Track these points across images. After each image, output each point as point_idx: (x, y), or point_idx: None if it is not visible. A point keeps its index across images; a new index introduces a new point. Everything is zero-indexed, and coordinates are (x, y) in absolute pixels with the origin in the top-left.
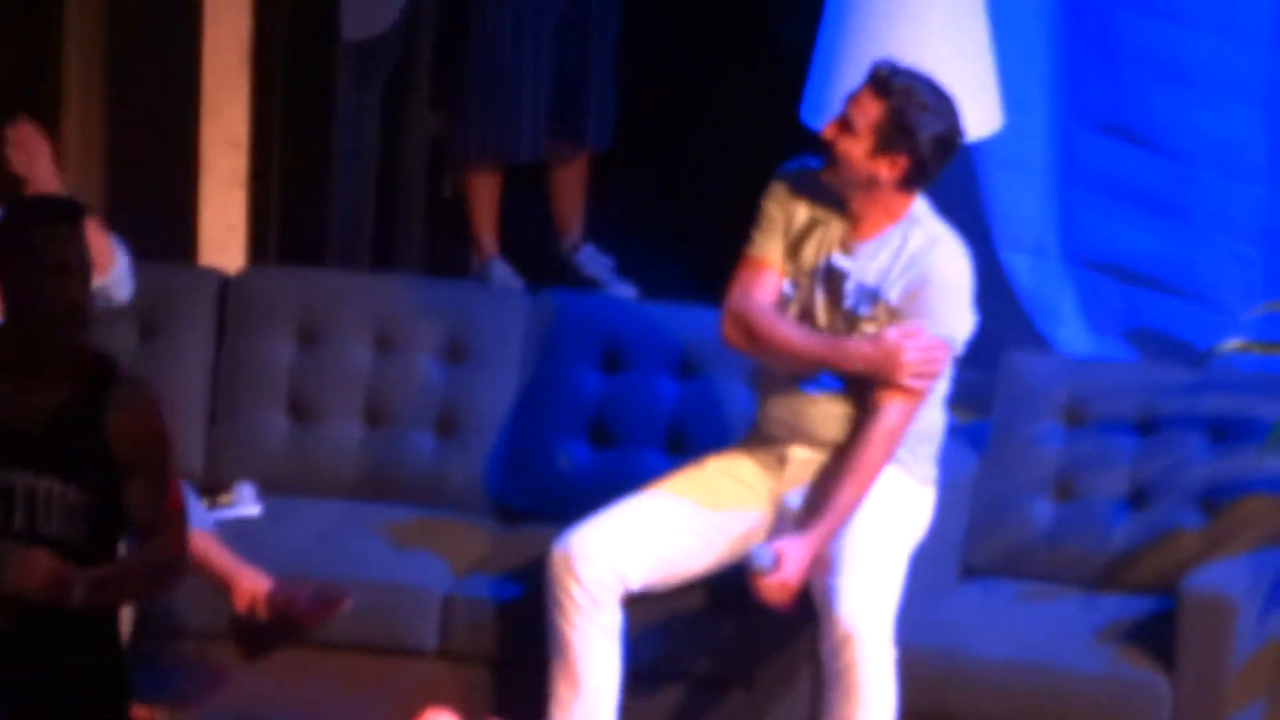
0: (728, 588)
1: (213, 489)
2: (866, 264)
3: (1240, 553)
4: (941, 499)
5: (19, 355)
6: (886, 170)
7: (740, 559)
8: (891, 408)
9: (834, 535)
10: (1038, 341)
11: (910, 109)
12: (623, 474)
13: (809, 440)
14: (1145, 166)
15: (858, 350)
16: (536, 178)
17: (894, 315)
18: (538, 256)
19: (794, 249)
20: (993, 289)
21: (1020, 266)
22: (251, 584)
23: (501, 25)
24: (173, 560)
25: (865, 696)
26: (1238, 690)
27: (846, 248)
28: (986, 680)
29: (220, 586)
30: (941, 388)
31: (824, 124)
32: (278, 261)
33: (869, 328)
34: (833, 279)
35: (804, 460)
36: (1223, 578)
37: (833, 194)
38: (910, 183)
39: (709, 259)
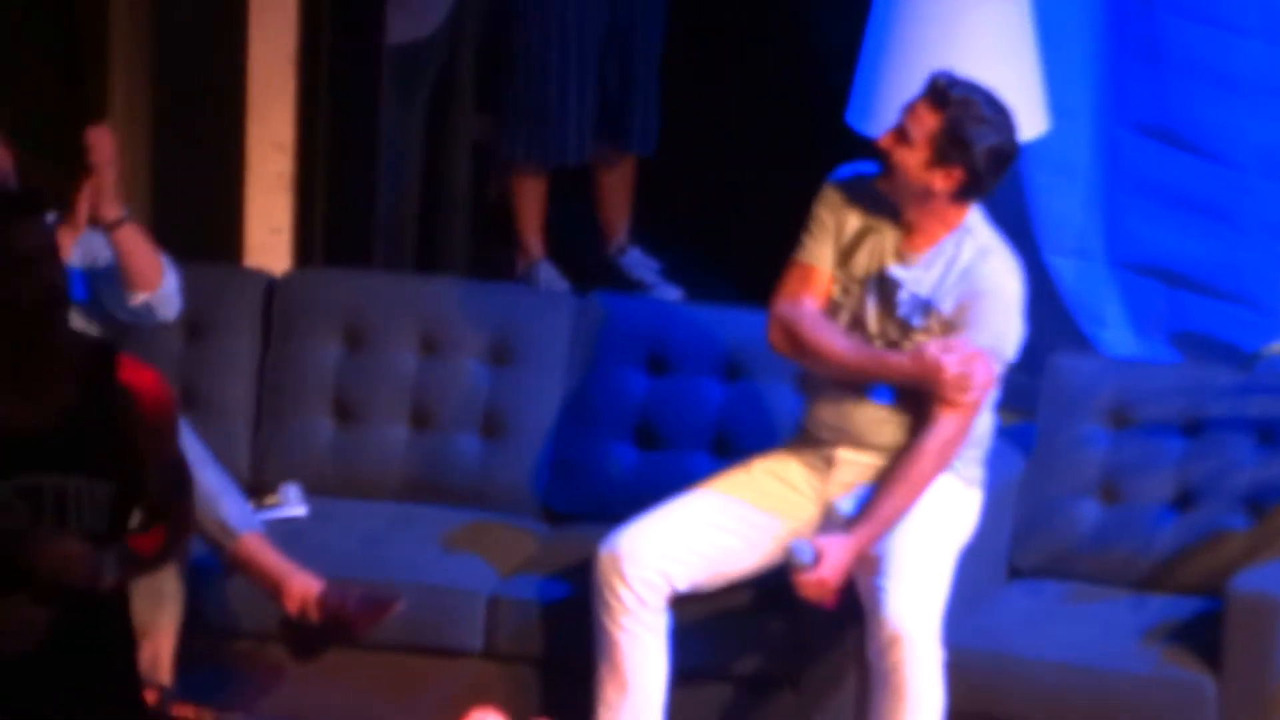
0: (775, 588)
1: (259, 490)
2: (921, 274)
3: None
4: (988, 501)
5: (17, 357)
6: (941, 182)
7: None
8: (946, 421)
9: (877, 539)
10: (1083, 344)
11: (967, 121)
12: (669, 476)
13: (856, 443)
14: (1190, 170)
15: (898, 365)
16: (582, 181)
17: (947, 326)
18: (584, 260)
19: (846, 256)
20: (1038, 292)
21: (1065, 269)
22: (303, 586)
23: (547, 30)
24: (183, 535)
25: (912, 697)
26: None
27: (901, 257)
28: (1033, 681)
29: (271, 588)
30: (991, 394)
31: (880, 133)
32: (323, 264)
33: (922, 338)
34: (885, 288)
35: (851, 462)
36: (1269, 579)
37: (886, 202)
38: (965, 194)
39: (754, 261)
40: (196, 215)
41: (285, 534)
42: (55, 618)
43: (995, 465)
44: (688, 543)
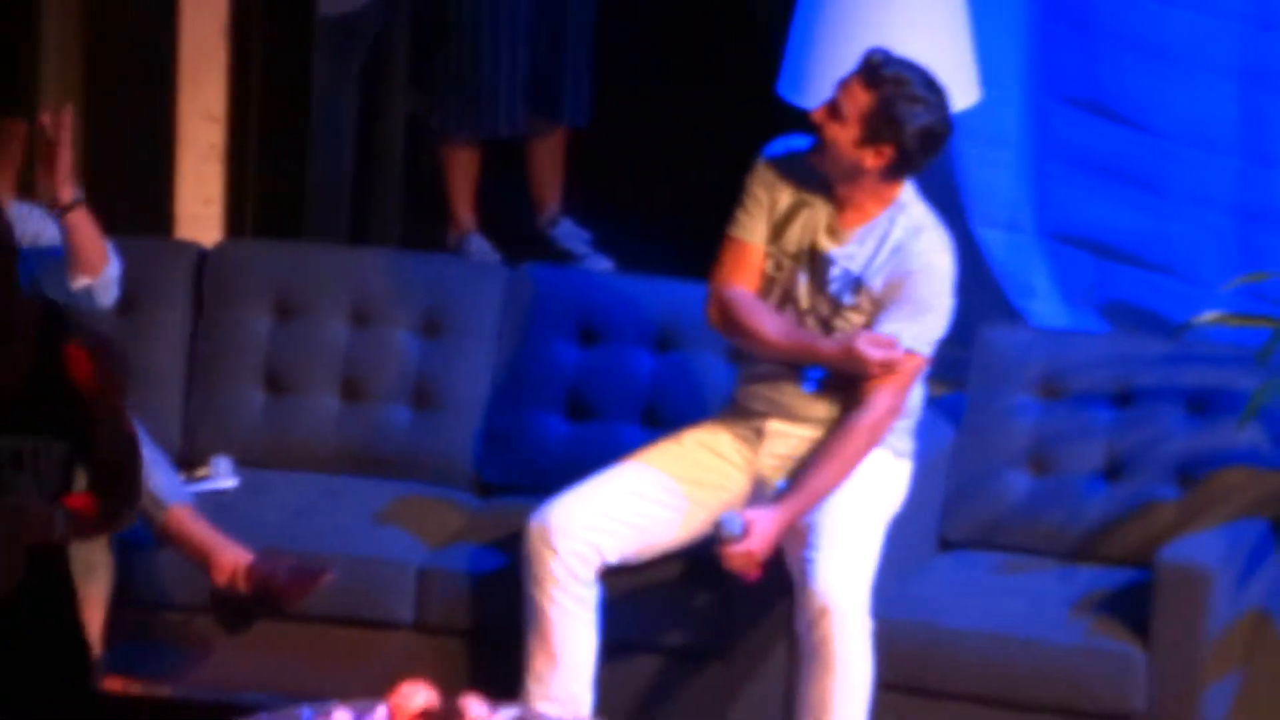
0: (705, 560)
1: (190, 462)
2: (853, 250)
3: (1216, 524)
4: (919, 472)
5: None
6: (872, 159)
7: None
8: (879, 398)
9: (806, 512)
10: (1012, 316)
11: (900, 100)
12: (600, 447)
13: (788, 416)
14: (1120, 141)
15: (827, 351)
16: (515, 153)
17: (877, 303)
18: (515, 231)
19: (778, 231)
20: (967, 264)
21: (994, 241)
22: (232, 558)
23: (479, 2)
24: (132, 497)
25: (841, 669)
26: (1214, 661)
27: (833, 233)
28: (963, 652)
29: (200, 560)
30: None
31: (813, 105)
32: (254, 236)
33: (853, 315)
34: (817, 264)
35: (782, 434)
36: (1198, 549)
37: (819, 177)
38: (896, 172)
39: (686, 232)
40: (128, 187)
41: (215, 506)
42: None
43: (925, 436)
44: (618, 514)
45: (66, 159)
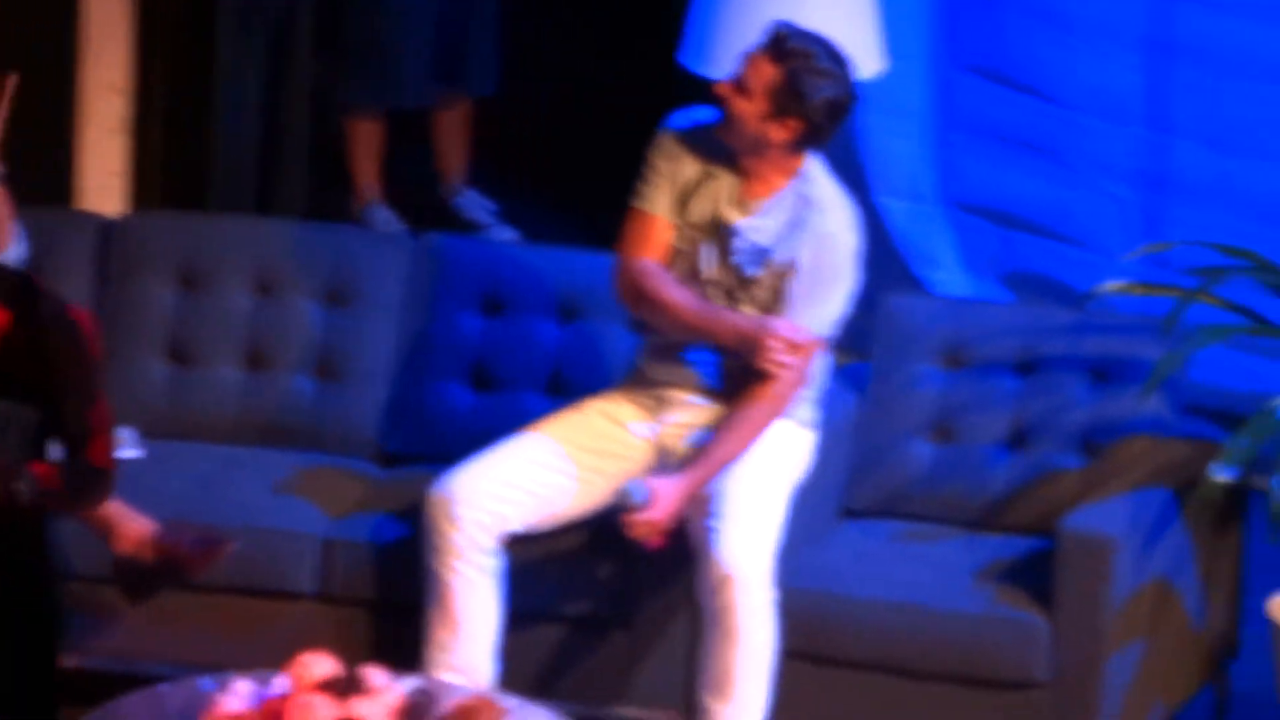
0: (608, 530)
1: None
2: (759, 223)
3: (1119, 493)
4: (822, 441)
5: None
6: (778, 133)
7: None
8: (783, 372)
9: (709, 481)
10: (916, 285)
11: (805, 74)
12: (504, 417)
13: (688, 385)
14: (1023, 111)
15: (733, 325)
16: (420, 123)
17: (780, 277)
18: (420, 201)
19: (683, 203)
20: (871, 234)
21: (898, 211)
22: (135, 528)
23: None
24: (105, 471)
25: (744, 638)
26: (1117, 630)
27: (739, 204)
28: (866, 621)
29: (103, 530)
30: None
31: (717, 77)
32: (159, 207)
33: (757, 290)
34: (723, 236)
35: (682, 401)
36: (1102, 518)
37: (725, 149)
38: (802, 145)
39: (591, 203)
40: (31, 158)
41: (119, 477)
42: None
43: (829, 405)
44: (520, 484)
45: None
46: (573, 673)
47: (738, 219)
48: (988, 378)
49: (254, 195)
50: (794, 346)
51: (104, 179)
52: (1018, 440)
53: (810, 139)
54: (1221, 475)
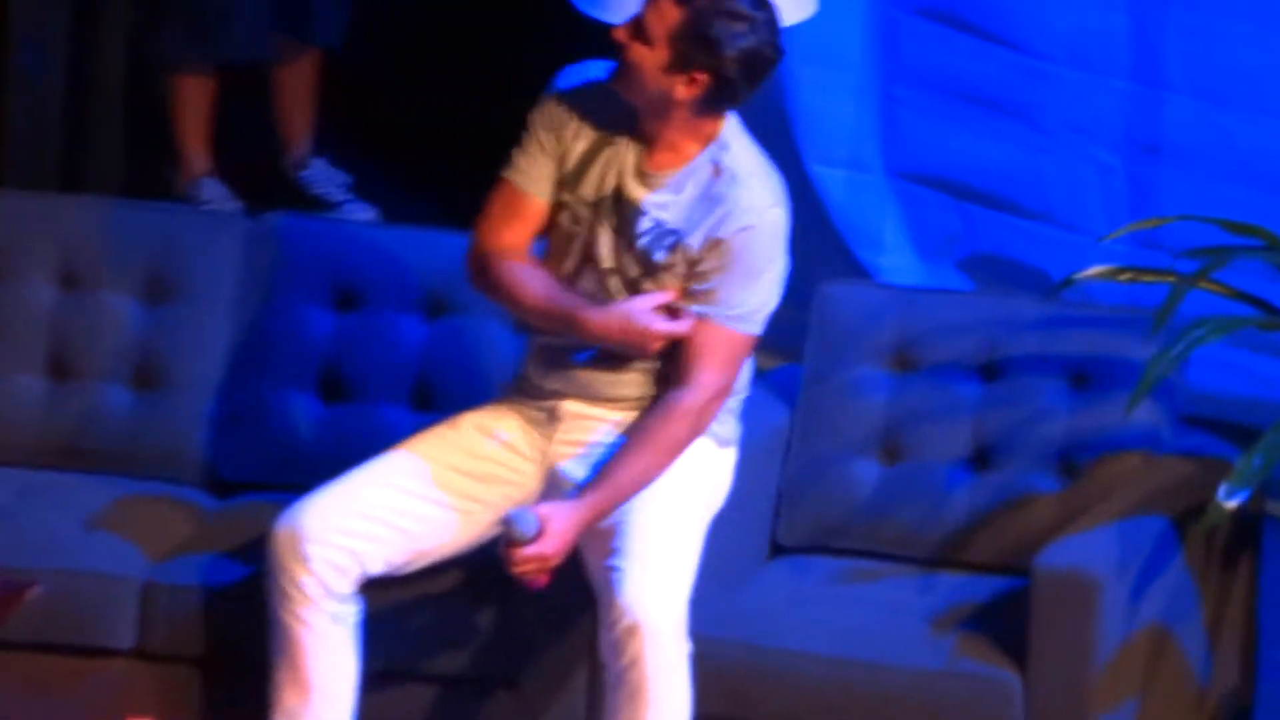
0: (489, 570)
1: None
2: (668, 198)
3: (1106, 522)
4: (745, 462)
5: None
6: (684, 89)
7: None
8: (704, 377)
9: (611, 511)
10: (856, 271)
11: (716, 17)
12: (361, 434)
13: (586, 394)
14: (985, 61)
15: (601, 323)
16: (257, 81)
17: (694, 263)
18: (258, 174)
19: (575, 177)
20: (802, 209)
21: (834, 181)
22: None
23: None
24: None
25: (654, 698)
26: (1105, 686)
27: (643, 177)
28: (799, 678)
29: None
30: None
31: (615, 21)
32: None
33: (666, 277)
34: (623, 214)
35: (581, 417)
36: (1084, 552)
37: (625, 109)
38: (714, 105)
39: (462, 176)
40: None
41: None
42: None
43: (753, 418)
44: (382, 516)
45: None
46: None
47: (642, 194)
48: (944, 382)
49: (58, 168)
50: (677, 329)
51: None
52: (981, 458)
53: (724, 96)
54: (1229, 500)
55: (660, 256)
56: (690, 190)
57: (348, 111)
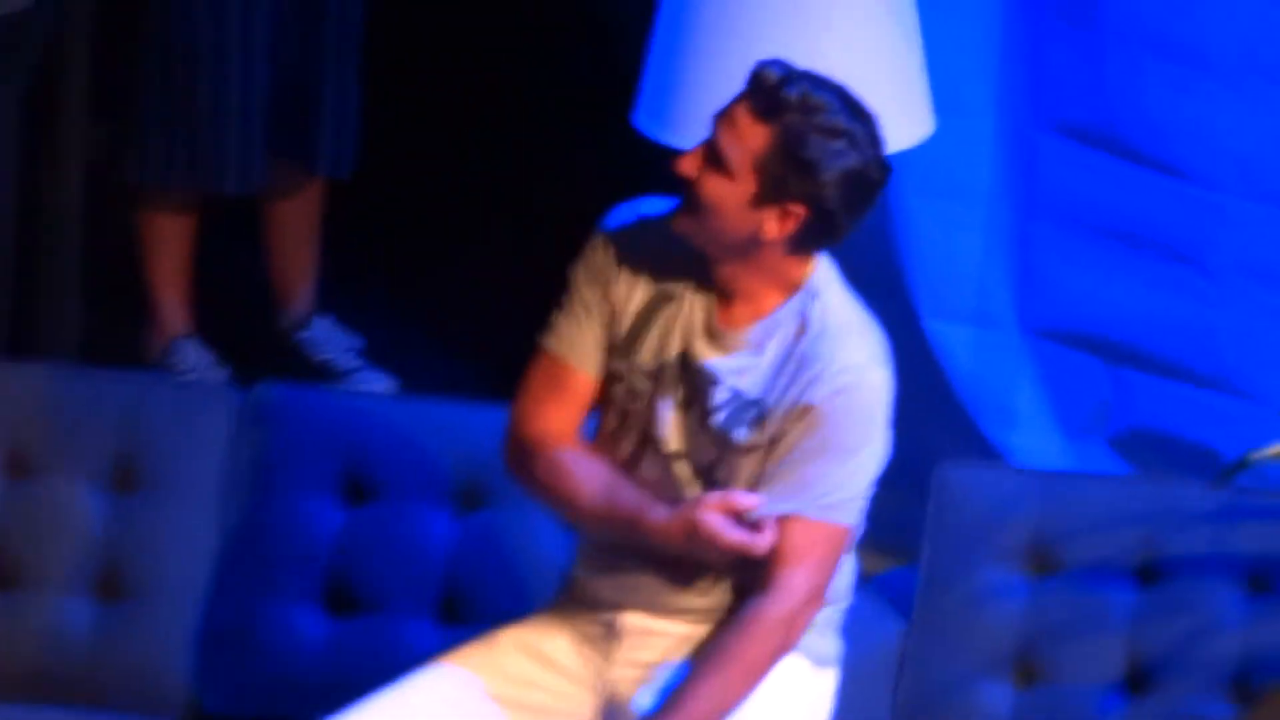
0: None
1: None
2: (745, 361)
3: None
4: (848, 684)
5: None
6: (776, 226)
7: None
8: (791, 580)
9: None
10: (984, 452)
11: (811, 134)
12: (375, 653)
13: (651, 606)
14: (1141, 190)
15: (662, 528)
16: (247, 218)
17: (775, 441)
18: (248, 334)
19: (630, 341)
20: (916, 374)
21: (956, 341)
22: None
23: (192, 5)
24: None
25: None
26: None
27: (714, 336)
28: None
29: None
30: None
31: (682, 145)
32: None
33: (749, 462)
34: (692, 383)
35: (645, 632)
36: None
37: (690, 254)
38: (810, 242)
39: (499, 336)
40: None
41: None
42: None
43: (858, 632)
44: None
45: None
46: None
47: (713, 356)
48: (1092, 587)
49: (5, 326)
50: (754, 541)
51: None
52: (1138, 680)
53: (823, 231)
54: None
55: (741, 435)
56: (773, 350)
57: (358, 257)
